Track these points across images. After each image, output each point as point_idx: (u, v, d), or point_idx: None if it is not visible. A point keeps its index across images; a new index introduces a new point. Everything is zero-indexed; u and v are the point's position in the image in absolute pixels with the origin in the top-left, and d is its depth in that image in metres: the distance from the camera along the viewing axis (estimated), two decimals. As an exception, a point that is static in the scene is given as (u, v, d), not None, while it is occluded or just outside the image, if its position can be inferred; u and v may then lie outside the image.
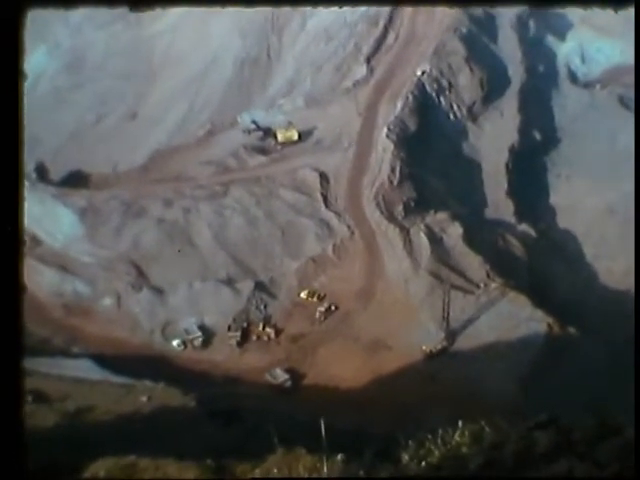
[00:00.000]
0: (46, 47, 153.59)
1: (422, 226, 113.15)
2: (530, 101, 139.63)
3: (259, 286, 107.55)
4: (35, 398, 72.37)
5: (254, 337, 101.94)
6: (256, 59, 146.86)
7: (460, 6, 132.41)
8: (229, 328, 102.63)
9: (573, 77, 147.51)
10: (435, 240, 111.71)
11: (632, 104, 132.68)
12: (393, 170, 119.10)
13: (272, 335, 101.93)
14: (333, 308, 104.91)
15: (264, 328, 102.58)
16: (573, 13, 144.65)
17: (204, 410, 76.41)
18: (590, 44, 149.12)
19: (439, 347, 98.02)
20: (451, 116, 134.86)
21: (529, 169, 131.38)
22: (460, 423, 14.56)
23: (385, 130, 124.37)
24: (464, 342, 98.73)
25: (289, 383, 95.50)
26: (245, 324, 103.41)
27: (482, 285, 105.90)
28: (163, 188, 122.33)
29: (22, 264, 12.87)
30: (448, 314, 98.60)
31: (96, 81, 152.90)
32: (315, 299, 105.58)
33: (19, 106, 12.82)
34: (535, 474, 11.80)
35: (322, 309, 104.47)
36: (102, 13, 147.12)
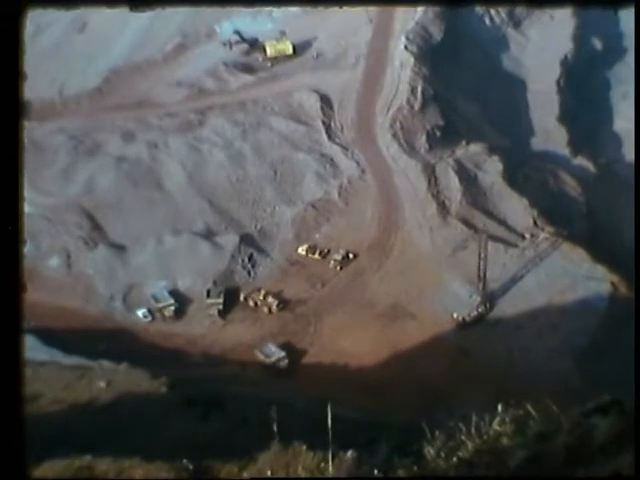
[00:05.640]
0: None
1: (451, 161, 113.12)
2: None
3: (246, 240, 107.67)
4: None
5: (251, 303, 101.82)
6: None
7: (457, 6, 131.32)
8: (208, 293, 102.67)
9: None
10: (468, 179, 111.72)
11: None
12: (414, 91, 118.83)
13: (274, 307, 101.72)
14: (351, 256, 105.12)
15: (265, 297, 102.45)
16: None
17: (178, 397, 76.83)
18: None
19: (474, 314, 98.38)
20: (487, 21, 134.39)
21: (587, 88, 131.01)
22: (500, 408, 14.64)
23: (403, 40, 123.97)
24: (505, 308, 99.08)
25: (285, 362, 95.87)
26: (249, 294, 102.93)
27: (528, 235, 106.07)
28: (123, 117, 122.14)
29: (22, 263, 14.17)
30: (485, 273, 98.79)
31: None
32: (317, 255, 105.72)
33: (19, 107, 14.32)
34: (592, 470, 11.88)
35: (338, 257, 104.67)
36: None
